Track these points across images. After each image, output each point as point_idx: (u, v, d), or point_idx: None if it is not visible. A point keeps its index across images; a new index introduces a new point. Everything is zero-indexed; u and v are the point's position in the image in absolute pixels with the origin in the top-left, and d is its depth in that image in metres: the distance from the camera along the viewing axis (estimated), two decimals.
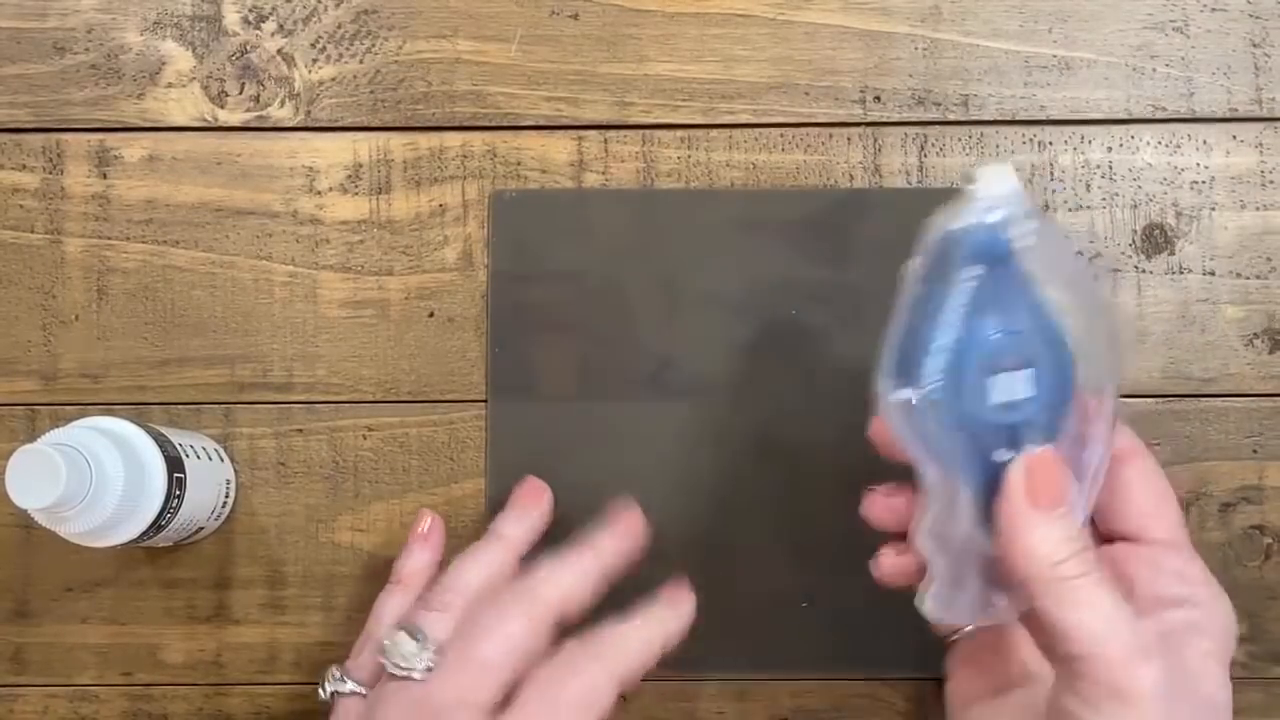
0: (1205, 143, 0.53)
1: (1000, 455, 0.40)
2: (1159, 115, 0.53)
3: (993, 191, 0.39)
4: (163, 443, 0.47)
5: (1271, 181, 0.53)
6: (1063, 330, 0.40)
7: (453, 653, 0.43)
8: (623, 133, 0.53)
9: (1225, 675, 0.42)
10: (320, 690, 0.45)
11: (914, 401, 0.40)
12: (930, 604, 0.43)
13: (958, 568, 0.43)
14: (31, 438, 0.49)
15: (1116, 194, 0.53)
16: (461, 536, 0.51)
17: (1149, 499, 0.43)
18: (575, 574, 0.45)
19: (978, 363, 0.39)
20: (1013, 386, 0.40)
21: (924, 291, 0.40)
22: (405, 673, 0.43)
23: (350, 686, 0.45)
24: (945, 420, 0.40)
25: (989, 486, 0.41)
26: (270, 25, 0.54)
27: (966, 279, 0.39)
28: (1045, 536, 0.40)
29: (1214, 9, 0.53)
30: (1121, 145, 0.53)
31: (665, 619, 0.45)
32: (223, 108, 0.54)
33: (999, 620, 0.43)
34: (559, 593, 0.44)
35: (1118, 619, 0.39)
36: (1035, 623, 0.40)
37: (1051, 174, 0.53)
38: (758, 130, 0.53)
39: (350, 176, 0.53)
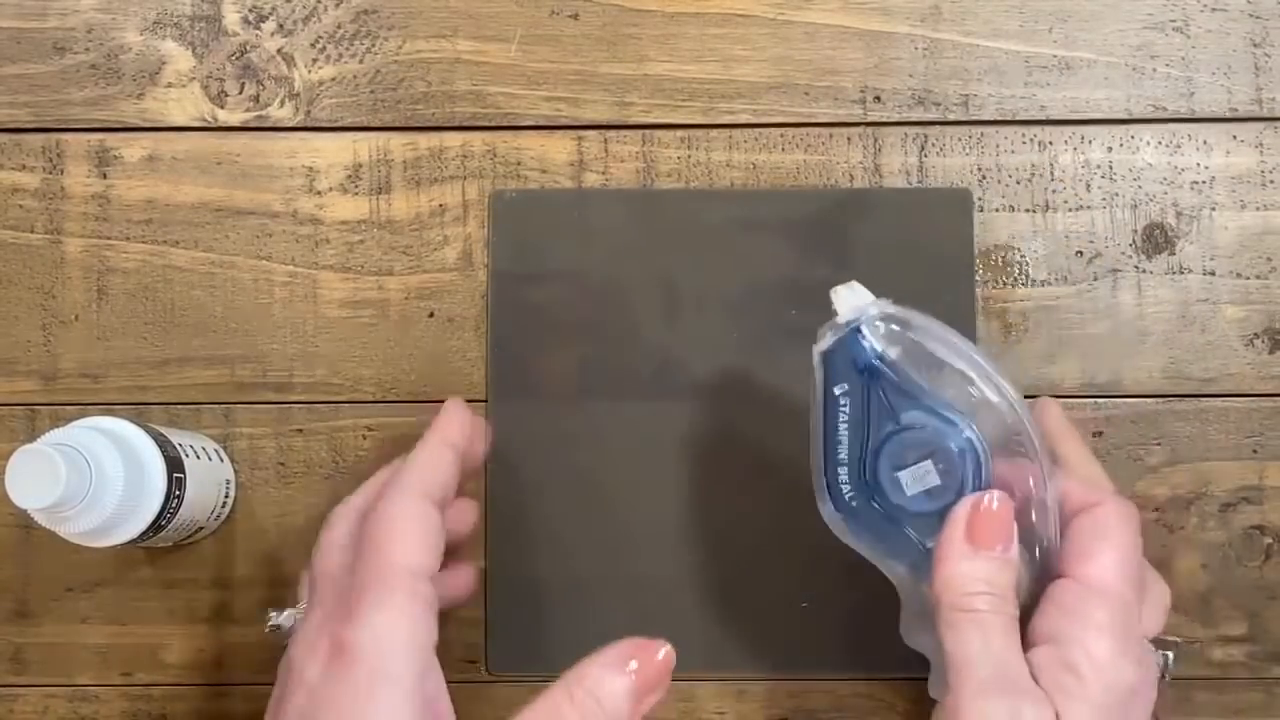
0: (1205, 143, 0.53)
1: (933, 542, 0.42)
2: (1159, 115, 0.53)
3: (847, 305, 0.42)
4: (163, 443, 0.47)
5: (1271, 181, 0.53)
6: (954, 411, 0.42)
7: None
8: (623, 133, 0.53)
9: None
10: None
11: (838, 514, 0.43)
12: (929, 687, 0.45)
13: (934, 653, 0.44)
14: (31, 438, 0.49)
15: (1116, 194, 0.53)
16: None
17: (1082, 540, 0.42)
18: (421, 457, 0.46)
19: (883, 464, 0.42)
20: (922, 477, 0.42)
21: (818, 411, 0.43)
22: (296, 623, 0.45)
23: None
24: (871, 524, 0.43)
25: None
26: (270, 25, 0.54)
27: (842, 392, 0.42)
28: (968, 570, 0.41)
29: (1214, 9, 0.53)
30: (1121, 145, 0.53)
31: (440, 426, 0.47)
32: (223, 108, 0.54)
33: None
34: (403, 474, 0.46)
35: (987, 655, 0.40)
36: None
37: (1051, 174, 0.53)
38: (758, 130, 0.53)
39: (350, 176, 0.53)
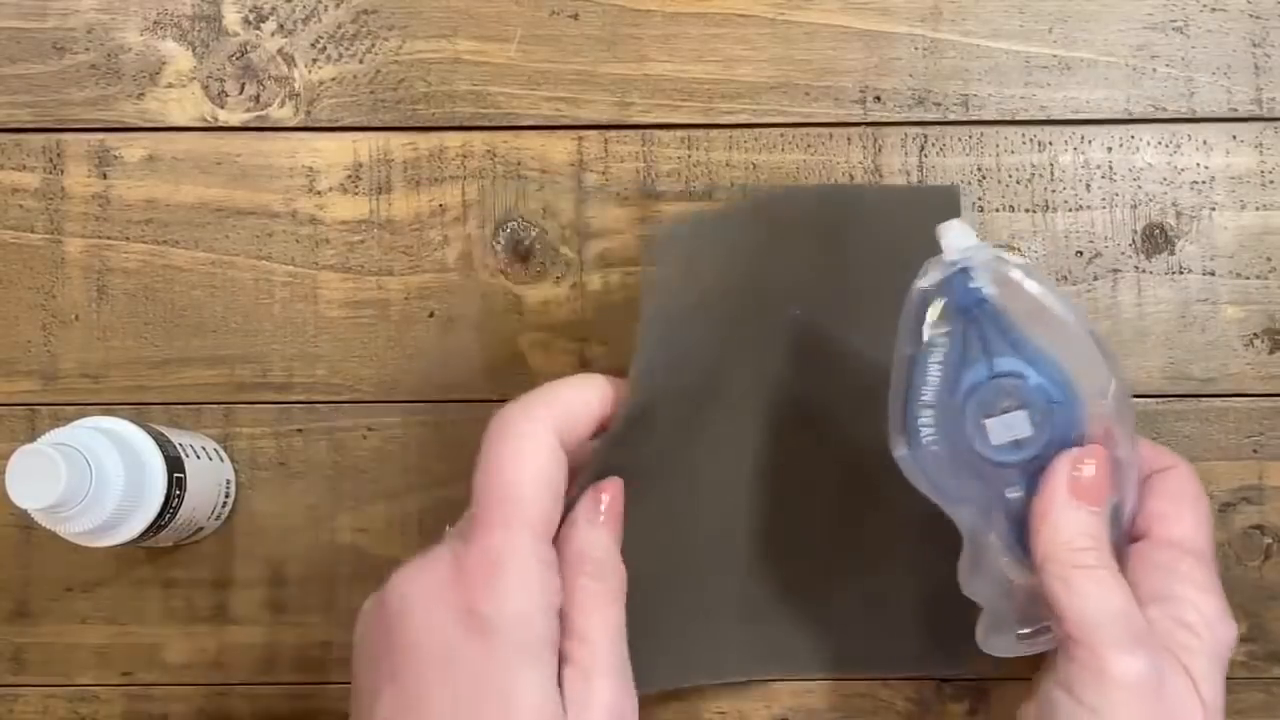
0: (1205, 143, 0.53)
1: (1013, 493, 0.42)
2: (1159, 115, 0.53)
3: (956, 245, 0.41)
4: (163, 443, 0.47)
5: (1271, 181, 0.53)
6: (1051, 362, 0.41)
7: None
8: (623, 133, 0.53)
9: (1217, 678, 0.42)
10: None
11: (914, 456, 0.42)
12: (978, 638, 0.44)
13: (995, 603, 0.44)
14: (31, 438, 0.49)
15: (1116, 194, 0.53)
16: None
17: (1164, 501, 0.44)
18: None
19: (970, 410, 0.41)
20: (1012, 426, 0.41)
21: (908, 349, 0.41)
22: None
23: None
24: (949, 469, 0.42)
25: (1011, 524, 0.42)
26: (270, 25, 0.54)
27: (941, 332, 0.41)
28: (1071, 523, 0.41)
29: (1214, 9, 0.53)
30: (1121, 145, 0.53)
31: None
32: (223, 108, 0.54)
33: (1036, 651, 0.44)
34: None
35: (1112, 610, 0.40)
36: (1048, 607, 0.41)
37: (1051, 174, 0.53)
38: (758, 130, 0.53)
39: (350, 176, 0.53)
